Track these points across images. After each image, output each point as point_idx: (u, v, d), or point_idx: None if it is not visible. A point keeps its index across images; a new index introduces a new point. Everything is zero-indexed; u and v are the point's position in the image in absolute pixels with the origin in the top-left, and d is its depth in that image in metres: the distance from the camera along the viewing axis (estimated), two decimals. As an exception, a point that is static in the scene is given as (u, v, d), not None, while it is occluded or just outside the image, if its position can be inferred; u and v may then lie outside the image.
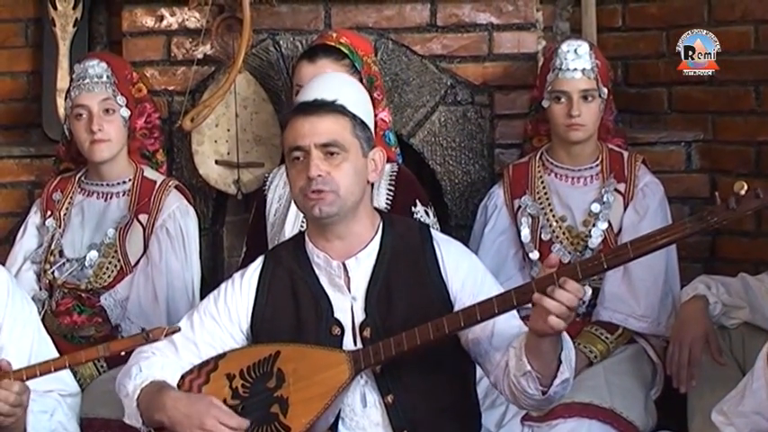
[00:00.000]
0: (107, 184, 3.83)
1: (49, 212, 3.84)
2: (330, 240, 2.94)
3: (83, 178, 3.87)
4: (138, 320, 3.62)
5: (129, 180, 3.83)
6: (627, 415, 3.35)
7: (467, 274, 2.95)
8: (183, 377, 2.96)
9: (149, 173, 3.86)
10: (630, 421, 3.36)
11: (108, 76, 3.75)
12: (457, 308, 2.91)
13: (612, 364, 3.50)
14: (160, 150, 3.96)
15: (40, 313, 3.58)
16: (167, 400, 2.85)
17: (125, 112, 3.77)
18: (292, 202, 3.63)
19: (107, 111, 3.73)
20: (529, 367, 2.73)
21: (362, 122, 2.94)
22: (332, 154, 2.86)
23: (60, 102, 4.32)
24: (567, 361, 2.77)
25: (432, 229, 3.09)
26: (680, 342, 3.35)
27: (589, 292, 3.55)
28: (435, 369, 2.87)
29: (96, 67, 3.75)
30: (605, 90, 3.68)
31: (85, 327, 3.73)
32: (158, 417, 2.86)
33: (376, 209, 3.07)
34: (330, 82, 3.08)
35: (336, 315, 2.92)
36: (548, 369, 2.74)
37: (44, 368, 2.78)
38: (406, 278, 2.93)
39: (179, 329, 2.86)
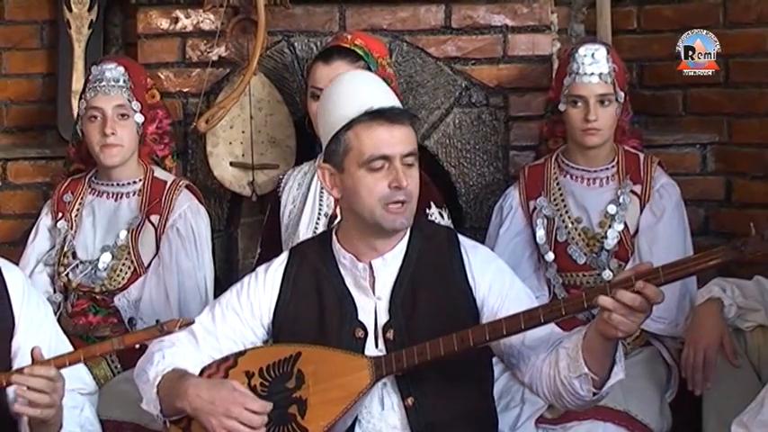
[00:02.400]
0: (117, 184, 3.83)
1: (60, 214, 3.84)
2: (362, 243, 2.93)
3: (93, 179, 3.88)
4: (151, 320, 3.61)
5: (140, 180, 3.83)
6: (642, 417, 3.35)
7: (493, 278, 2.95)
8: (201, 371, 2.95)
9: (160, 173, 3.86)
10: (645, 424, 3.35)
11: (125, 81, 3.75)
12: (484, 312, 2.92)
13: (627, 367, 3.42)
14: (170, 156, 3.96)
15: (55, 315, 3.60)
16: (189, 388, 2.84)
17: (139, 118, 3.77)
18: (307, 203, 3.65)
19: (122, 115, 3.73)
20: (586, 369, 2.74)
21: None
22: (409, 165, 2.86)
23: (75, 103, 4.33)
24: (620, 360, 2.78)
25: (459, 234, 3.08)
26: (695, 345, 3.34)
27: None
28: (455, 373, 2.86)
29: (114, 71, 3.75)
30: (622, 94, 3.66)
31: (101, 327, 3.73)
32: (180, 404, 2.84)
33: None
34: (386, 88, 2.98)
35: (360, 317, 2.91)
36: (603, 370, 2.75)
37: (59, 362, 2.76)
38: (431, 281, 2.93)
39: (193, 322, 2.84)
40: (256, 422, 2.80)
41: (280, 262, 3.03)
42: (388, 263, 2.93)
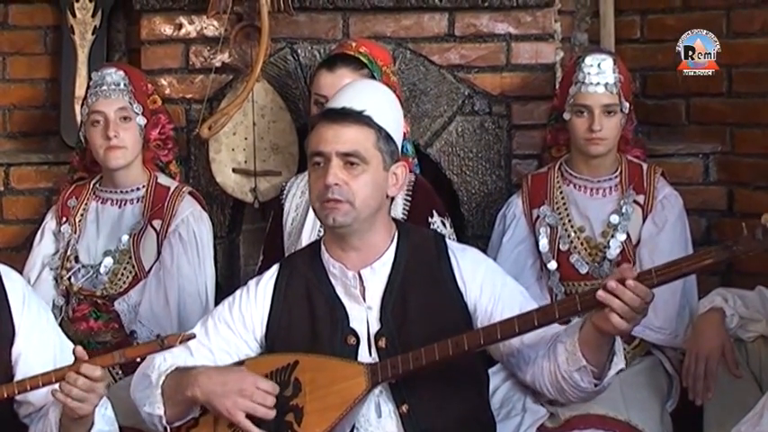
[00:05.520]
0: (121, 191, 3.84)
1: (64, 219, 3.86)
2: (346, 251, 2.95)
3: (97, 185, 3.89)
4: (149, 324, 3.65)
5: (143, 186, 3.84)
6: (642, 427, 3.34)
7: (484, 279, 2.97)
8: None
9: (163, 179, 3.88)
10: (646, 434, 3.35)
11: (125, 84, 3.77)
12: (478, 314, 2.94)
13: (628, 376, 3.48)
14: (173, 162, 3.97)
15: (57, 320, 3.59)
16: (199, 375, 2.87)
17: (141, 121, 3.79)
18: (309, 210, 3.65)
19: (124, 118, 3.75)
20: (584, 362, 2.80)
21: (388, 135, 2.92)
22: (352, 164, 2.86)
23: (78, 109, 4.34)
24: (620, 350, 2.83)
25: (447, 239, 3.10)
26: (696, 354, 3.34)
27: None
28: (450, 378, 2.88)
29: (114, 75, 3.77)
30: (627, 104, 3.66)
31: (102, 332, 3.74)
32: (190, 392, 2.86)
33: (392, 218, 3.07)
34: (362, 91, 3.02)
35: (352, 325, 2.92)
36: (602, 362, 2.81)
37: (59, 375, 2.77)
38: (421, 287, 2.94)
39: (194, 336, 2.86)
40: (269, 401, 2.84)
41: (270, 275, 3.05)
42: (377, 271, 2.94)
